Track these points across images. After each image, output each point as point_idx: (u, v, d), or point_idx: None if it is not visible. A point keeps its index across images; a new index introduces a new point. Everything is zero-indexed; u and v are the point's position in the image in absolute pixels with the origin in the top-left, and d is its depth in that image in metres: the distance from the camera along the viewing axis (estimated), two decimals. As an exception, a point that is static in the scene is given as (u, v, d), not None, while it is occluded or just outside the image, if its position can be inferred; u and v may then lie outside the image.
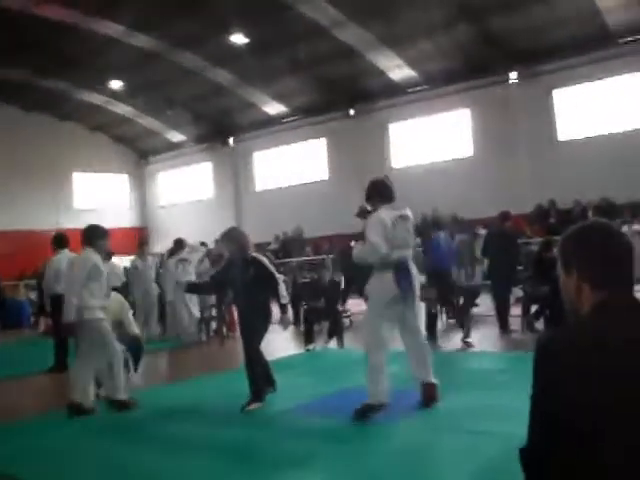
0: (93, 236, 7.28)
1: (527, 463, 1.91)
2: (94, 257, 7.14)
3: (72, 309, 6.87)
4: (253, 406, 6.76)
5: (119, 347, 7.25)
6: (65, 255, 10.56)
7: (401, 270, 6.07)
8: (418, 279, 6.38)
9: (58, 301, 10.30)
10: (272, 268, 7.22)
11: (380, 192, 6.31)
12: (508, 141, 21.17)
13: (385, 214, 6.08)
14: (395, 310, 6.15)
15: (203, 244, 14.21)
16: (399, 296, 6.07)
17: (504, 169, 21.13)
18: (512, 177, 20.90)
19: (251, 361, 6.93)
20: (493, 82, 21.35)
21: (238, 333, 12.97)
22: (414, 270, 6.28)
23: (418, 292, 6.36)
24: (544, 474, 1.86)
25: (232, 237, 7.30)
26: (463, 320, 10.58)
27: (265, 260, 7.24)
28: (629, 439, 1.72)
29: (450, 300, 11.21)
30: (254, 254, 7.22)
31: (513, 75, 21.22)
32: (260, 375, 6.98)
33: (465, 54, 20.99)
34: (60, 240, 10.92)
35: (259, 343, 7.05)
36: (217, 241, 13.96)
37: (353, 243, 6.73)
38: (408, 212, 6.31)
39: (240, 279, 7.11)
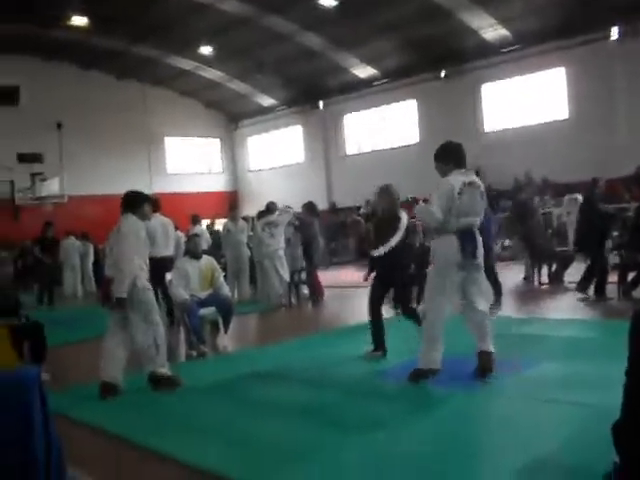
0: (134, 202, 6.94)
1: (620, 440, 1.84)
2: (138, 224, 6.82)
3: (126, 283, 6.50)
4: (372, 355, 7.42)
5: (161, 321, 6.89)
6: (158, 219, 10.81)
7: (465, 236, 5.97)
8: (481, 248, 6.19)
9: (151, 264, 10.61)
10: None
11: (455, 156, 6.16)
12: (606, 101, 20.34)
13: (455, 180, 5.96)
14: (457, 276, 6.03)
15: (288, 207, 14.29)
16: (461, 262, 5.97)
17: (602, 131, 20.34)
18: (610, 139, 20.10)
19: (370, 315, 7.58)
20: (592, 39, 20.47)
21: (325, 297, 13.21)
22: (479, 238, 6.14)
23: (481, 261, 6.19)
24: (637, 451, 1.78)
25: (388, 192, 7.57)
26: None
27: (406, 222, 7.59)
28: None
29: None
30: (403, 213, 7.53)
31: (614, 31, 20.26)
32: (377, 328, 7.51)
33: (562, 10, 20.17)
34: (154, 204, 11.15)
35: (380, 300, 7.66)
36: (303, 206, 14.04)
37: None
38: (477, 179, 6.21)
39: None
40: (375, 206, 13.72)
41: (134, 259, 6.56)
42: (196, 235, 10.01)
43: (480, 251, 6.13)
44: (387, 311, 10.83)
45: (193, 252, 9.00)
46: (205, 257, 9.27)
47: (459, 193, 5.90)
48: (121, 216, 6.85)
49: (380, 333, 7.53)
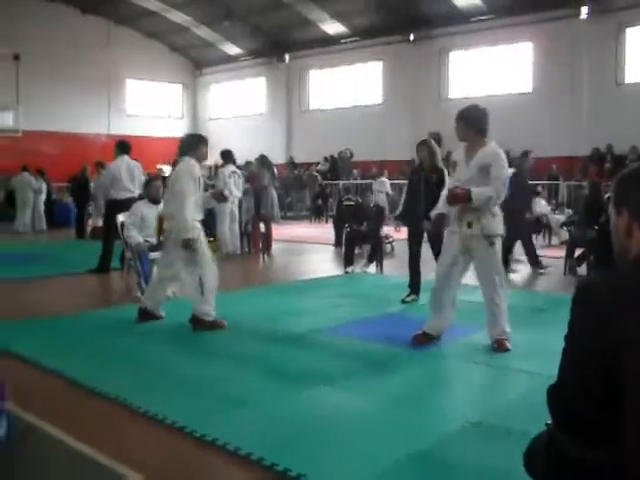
0: (191, 144, 6.95)
1: (554, 401, 1.91)
2: (197, 168, 6.83)
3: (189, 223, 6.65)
4: (409, 298, 7.87)
5: (212, 265, 7.03)
6: (125, 161, 10.63)
7: None
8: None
9: (113, 205, 10.43)
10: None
11: (483, 123, 5.71)
12: (570, 80, 20.52)
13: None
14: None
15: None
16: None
17: (563, 109, 20.55)
18: (570, 118, 20.34)
19: (409, 261, 7.98)
20: (561, 16, 20.55)
21: (277, 251, 13.20)
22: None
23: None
24: (571, 414, 1.85)
25: (427, 145, 7.73)
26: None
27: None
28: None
29: None
30: (441, 165, 7.73)
31: (584, 10, 20.34)
32: (414, 273, 7.91)
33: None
34: (123, 146, 10.93)
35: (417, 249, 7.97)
36: (256, 160, 14.00)
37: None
38: None
39: (425, 185, 7.64)
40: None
41: (190, 200, 6.65)
42: (156, 179, 9.91)
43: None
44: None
45: (153, 197, 8.86)
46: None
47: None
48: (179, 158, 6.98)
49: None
